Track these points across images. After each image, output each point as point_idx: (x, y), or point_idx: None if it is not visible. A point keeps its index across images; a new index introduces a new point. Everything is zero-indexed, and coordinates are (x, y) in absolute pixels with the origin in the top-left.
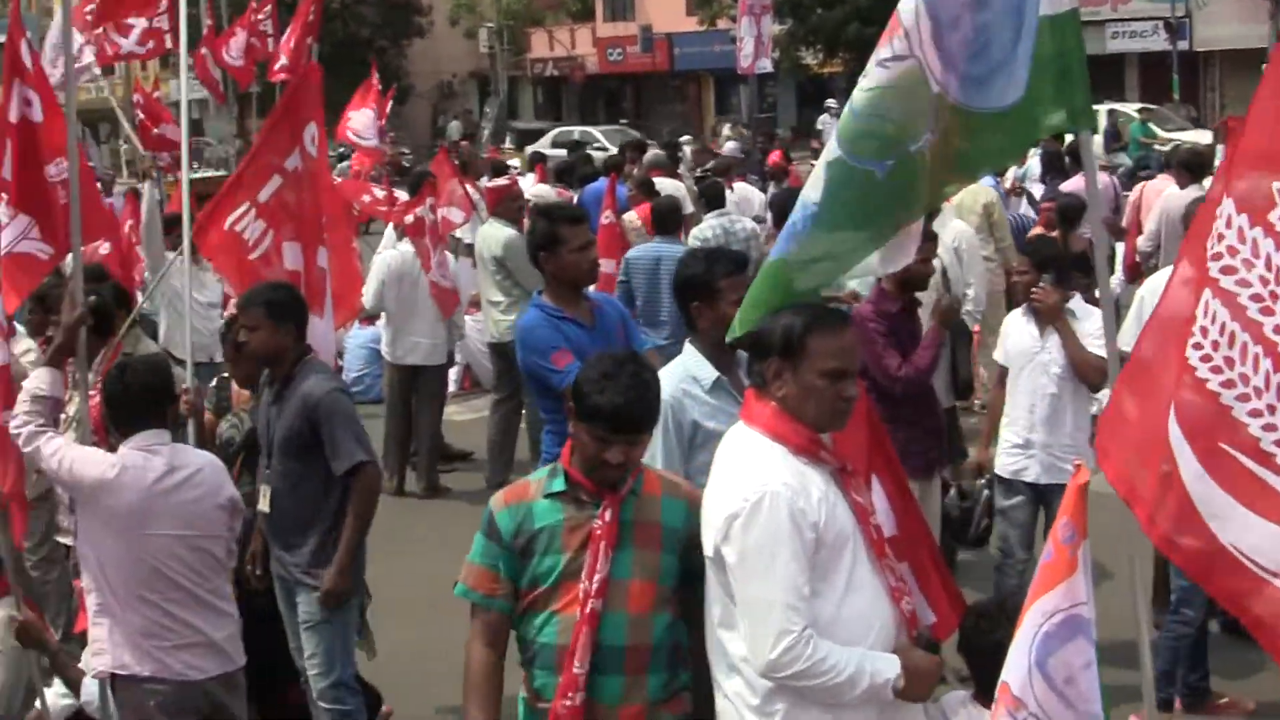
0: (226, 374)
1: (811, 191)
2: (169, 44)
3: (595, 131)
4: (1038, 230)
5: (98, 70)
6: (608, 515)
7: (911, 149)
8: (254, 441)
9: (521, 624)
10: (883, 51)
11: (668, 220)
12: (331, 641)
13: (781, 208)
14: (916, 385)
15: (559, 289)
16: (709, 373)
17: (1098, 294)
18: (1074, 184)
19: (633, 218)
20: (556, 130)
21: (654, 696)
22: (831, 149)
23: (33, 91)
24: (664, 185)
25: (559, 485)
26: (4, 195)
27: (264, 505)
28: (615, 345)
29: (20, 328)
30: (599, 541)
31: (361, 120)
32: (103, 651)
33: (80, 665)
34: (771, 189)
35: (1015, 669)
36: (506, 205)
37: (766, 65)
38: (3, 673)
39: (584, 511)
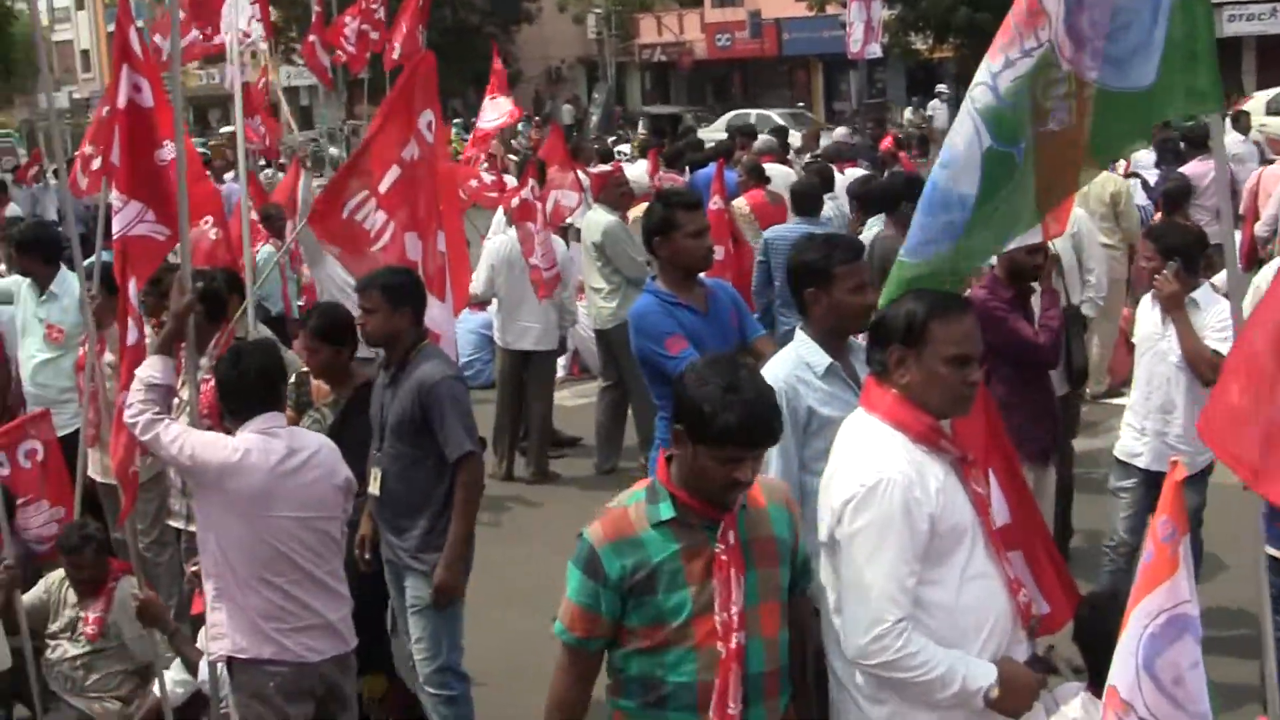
0: (305, 369)
1: (962, 183)
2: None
3: (773, 114)
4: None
5: (264, 45)
6: (731, 538)
7: (1041, 129)
8: (338, 435)
9: (642, 663)
10: (1028, 41)
11: (807, 201)
12: (439, 626)
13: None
14: (1056, 350)
15: (672, 274)
16: (822, 359)
17: (1215, 281)
18: (1191, 168)
19: (741, 204)
20: (732, 114)
21: (783, 714)
22: (981, 137)
23: (142, 77)
24: (774, 171)
25: (667, 512)
26: (114, 181)
27: (374, 488)
28: (729, 331)
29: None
30: (728, 569)
31: (495, 106)
32: (221, 635)
33: (198, 645)
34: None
35: (1122, 672)
36: (609, 191)
37: (876, 50)
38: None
39: (697, 536)
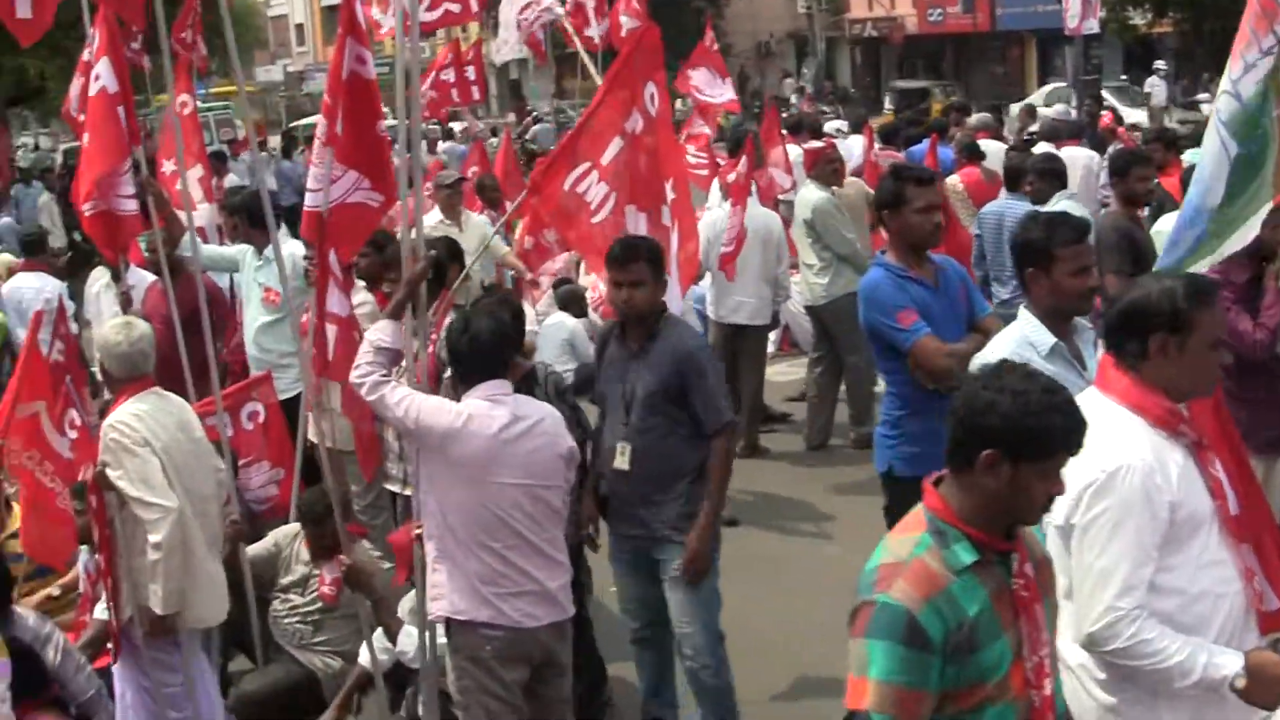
0: None
1: (1211, 196)
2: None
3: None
4: None
5: (560, 10)
6: (1029, 570)
7: (1274, 114)
8: None
9: None
10: (1266, 40)
11: (1015, 178)
12: (703, 594)
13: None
14: (1271, 347)
15: (902, 248)
16: (1046, 339)
17: None
18: None
19: (955, 181)
20: (1049, 88)
21: None
22: (1228, 148)
23: (365, 49)
24: (989, 148)
25: (969, 555)
26: (335, 151)
27: (623, 463)
28: (957, 307)
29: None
30: (1031, 605)
31: (702, 77)
32: (440, 596)
33: (400, 615)
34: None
35: None
36: (821, 168)
37: (1093, 26)
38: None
39: (996, 575)
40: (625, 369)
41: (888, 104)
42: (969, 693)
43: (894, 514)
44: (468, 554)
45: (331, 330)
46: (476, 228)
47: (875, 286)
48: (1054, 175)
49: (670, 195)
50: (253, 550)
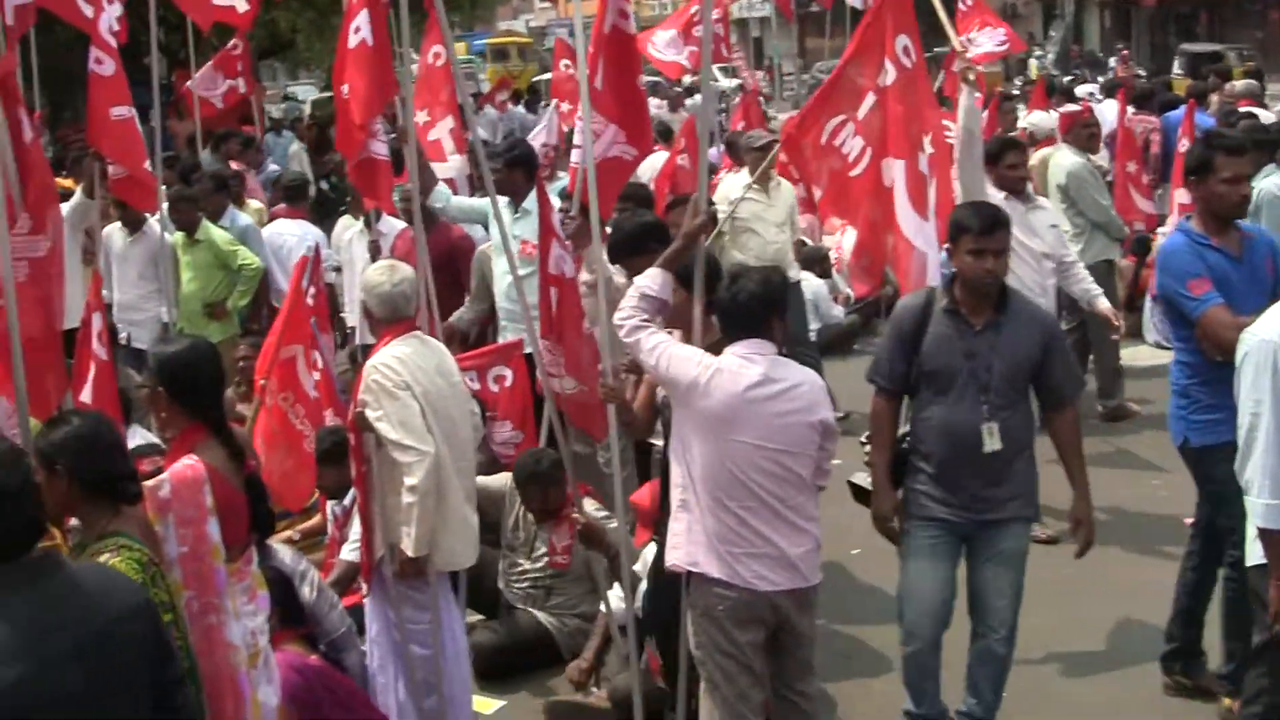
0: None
1: None
2: None
3: None
4: None
5: None
6: None
7: None
8: None
9: None
10: None
11: None
12: (1023, 578)
13: (1255, 143)
14: None
15: (1205, 216)
16: None
17: None
18: None
19: None
20: None
21: None
22: None
23: (627, 4)
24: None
25: None
26: (596, 105)
27: (994, 444)
28: (1262, 279)
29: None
30: None
31: (984, 36)
32: (679, 546)
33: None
34: None
35: None
36: (1076, 133)
37: None
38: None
39: None
40: (970, 345)
41: (1176, 68)
42: None
43: (1199, 487)
44: (705, 509)
45: (554, 292)
46: (785, 196)
47: (1172, 253)
48: (1262, 146)
49: (929, 149)
50: (490, 479)
